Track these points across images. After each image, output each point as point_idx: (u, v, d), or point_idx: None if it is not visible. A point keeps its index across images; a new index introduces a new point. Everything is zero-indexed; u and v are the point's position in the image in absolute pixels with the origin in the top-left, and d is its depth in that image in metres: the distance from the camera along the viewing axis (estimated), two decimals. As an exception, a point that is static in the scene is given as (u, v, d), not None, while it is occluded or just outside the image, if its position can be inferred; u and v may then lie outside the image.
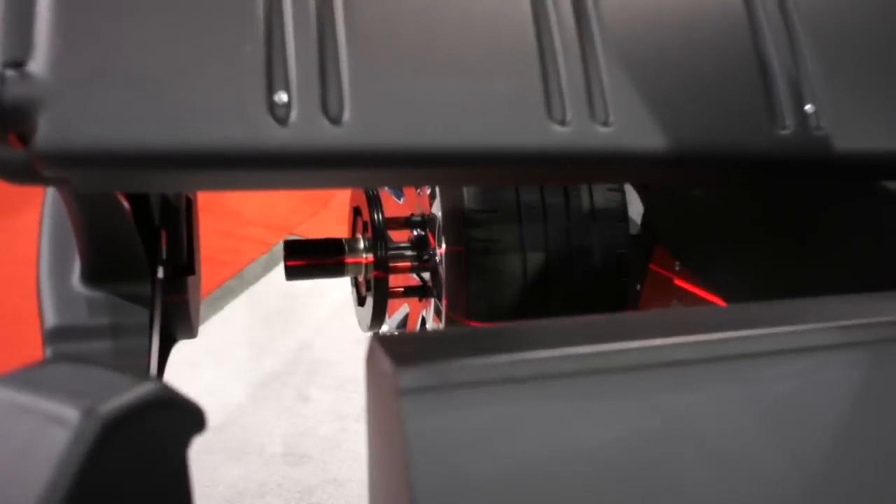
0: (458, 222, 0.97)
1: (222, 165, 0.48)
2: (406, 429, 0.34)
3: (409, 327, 1.43)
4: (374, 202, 1.20)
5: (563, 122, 0.55)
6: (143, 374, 0.85)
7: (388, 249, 1.19)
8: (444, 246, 1.03)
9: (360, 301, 1.30)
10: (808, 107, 0.62)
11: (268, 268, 2.94)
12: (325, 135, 0.49)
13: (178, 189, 0.54)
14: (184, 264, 1.01)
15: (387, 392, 0.36)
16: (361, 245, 1.24)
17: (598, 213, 0.99)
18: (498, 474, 0.34)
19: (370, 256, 1.21)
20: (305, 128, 0.48)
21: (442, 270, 1.06)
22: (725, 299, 1.11)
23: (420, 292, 1.23)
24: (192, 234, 1.13)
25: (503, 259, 0.95)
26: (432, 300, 1.27)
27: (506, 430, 0.35)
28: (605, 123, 0.56)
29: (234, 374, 2.30)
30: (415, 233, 1.24)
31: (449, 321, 1.02)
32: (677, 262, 1.20)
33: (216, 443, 2.02)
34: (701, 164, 0.59)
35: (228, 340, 2.46)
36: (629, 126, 0.56)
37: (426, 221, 1.22)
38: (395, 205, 1.33)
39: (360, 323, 1.34)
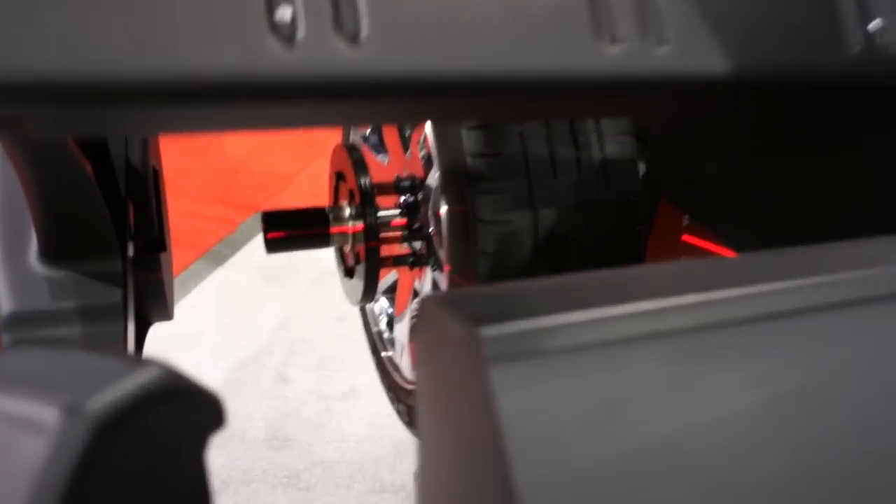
0: (460, 179, 0.88)
1: (212, 98, 0.38)
2: (499, 406, 0.26)
3: (399, 297, 1.34)
4: (360, 166, 1.11)
5: (612, 41, 0.47)
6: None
7: (377, 216, 1.10)
8: (444, 206, 0.94)
9: (348, 272, 1.21)
10: (875, 22, 0.54)
11: (236, 247, 2.81)
12: (339, 57, 0.40)
13: (155, 131, 0.45)
14: (155, 238, 0.91)
15: (464, 361, 0.28)
16: (347, 213, 1.15)
17: (610, 162, 0.91)
18: (620, 455, 0.26)
19: (358, 224, 1.12)
20: (315, 48, 0.39)
21: (441, 233, 0.98)
22: (741, 251, 1.05)
23: (412, 260, 1.15)
24: (161, 206, 1.03)
25: (512, 215, 0.87)
26: (427, 268, 1.19)
27: (624, 400, 0.27)
28: (662, 41, 0.48)
29: (207, 358, 2.19)
30: (403, 198, 1.15)
31: (453, 287, 0.95)
32: (686, 217, 1.14)
33: (194, 431, 1.93)
34: (764, 89, 0.52)
35: (199, 325, 2.34)
36: (689, 45, 0.48)
37: (416, 184, 1.13)
38: (378, 166, 1.23)
39: (348, 296, 1.25)
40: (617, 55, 0.47)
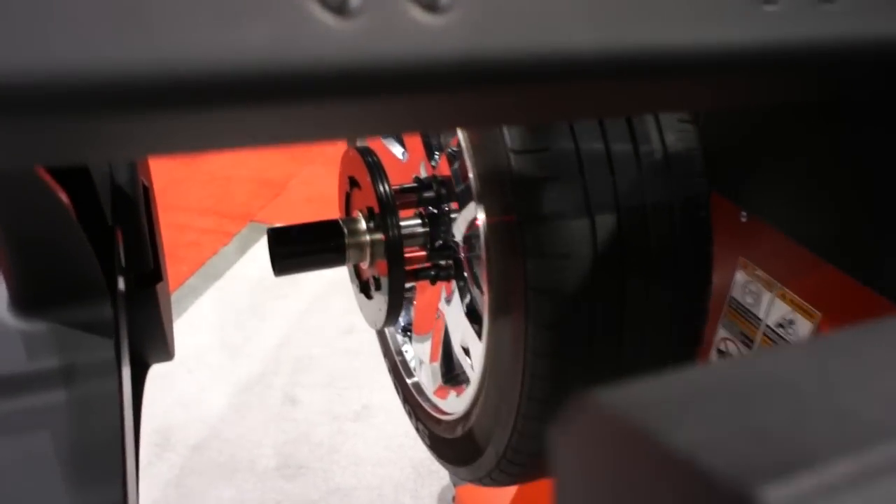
0: (504, 182, 0.76)
1: (239, 96, 0.26)
2: None
3: (419, 315, 1.22)
4: (378, 171, 0.98)
5: (769, 1, 0.34)
6: (113, 424, 0.63)
7: (401, 228, 0.97)
8: (481, 216, 0.82)
9: (366, 292, 1.08)
10: None
11: (232, 259, 2.68)
12: (413, 31, 0.27)
13: (156, 150, 0.33)
14: (150, 270, 0.78)
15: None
16: (364, 225, 1.02)
17: (673, 158, 0.79)
18: None
19: (378, 236, 0.99)
20: (381, 19, 0.27)
21: (478, 247, 0.85)
22: (816, 249, 0.92)
23: (435, 273, 1.02)
24: (154, 230, 0.90)
25: (565, 226, 0.74)
26: (452, 283, 1.06)
27: None
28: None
29: (209, 382, 2.06)
30: (426, 204, 1.02)
31: (495, 311, 0.82)
32: (743, 213, 1.01)
33: (200, 462, 1.80)
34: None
35: (198, 345, 2.21)
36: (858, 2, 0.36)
37: (441, 187, 1.00)
38: (397, 164, 1.10)
39: (368, 319, 1.12)
40: (774, 18, 0.34)
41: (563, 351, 0.79)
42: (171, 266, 2.60)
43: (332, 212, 1.13)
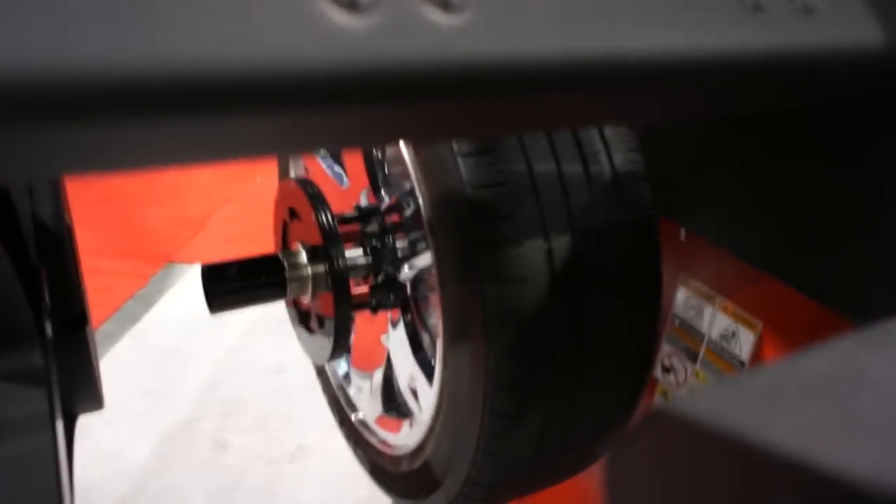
0: (458, 207, 0.74)
1: (244, 100, 0.23)
2: None
3: (359, 348, 1.18)
4: (319, 201, 0.95)
5: (756, 9, 0.34)
6: (49, 484, 0.57)
7: (346, 259, 0.93)
8: (432, 242, 0.80)
9: (307, 326, 1.04)
10: None
11: (149, 302, 2.55)
12: (427, 32, 0.25)
13: (147, 162, 0.29)
14: (80, 312, 0.72)
15: None
16: (304, 257, 0.98)
17: (620, 175, 0.79)
18: None
19: (320, 269, 0.95)
20: (395, 19, 0.25)
21: (429, 274, 0.83)
22: (754, 261, 0.95)
23: (376, 302, 0.99)
24: (79, 269, 0.83)
25: (523, 246, 0.73)
26: (397, 313, 1.03)
27: None
28: (809, 10, 0.36)
29: (130, 432, 1.94)
30: (368, 233, 0.99)
31: (452, 337, 0.80)
32: (682, 229, 1.04)
33: (124, 520, 1.68)
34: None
35: (118, 394, 2.08)
36: (838, 14, 0.36)
37: (383, 214, 0.98)
38: (336, 191, 1.07)
39: (311, 354, 1.08)
40: (761, 27, 0.34)
41: (524, 381, 0.77)
42: (84, 311, 2.43)
43: (255, 250, 1.07)
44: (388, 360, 1.09)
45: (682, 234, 1.03)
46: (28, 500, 0.49)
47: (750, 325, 0.95)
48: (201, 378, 2.16)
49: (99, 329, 2.41)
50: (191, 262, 2.81)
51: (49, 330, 0.67)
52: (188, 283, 2.66)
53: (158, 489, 1.76)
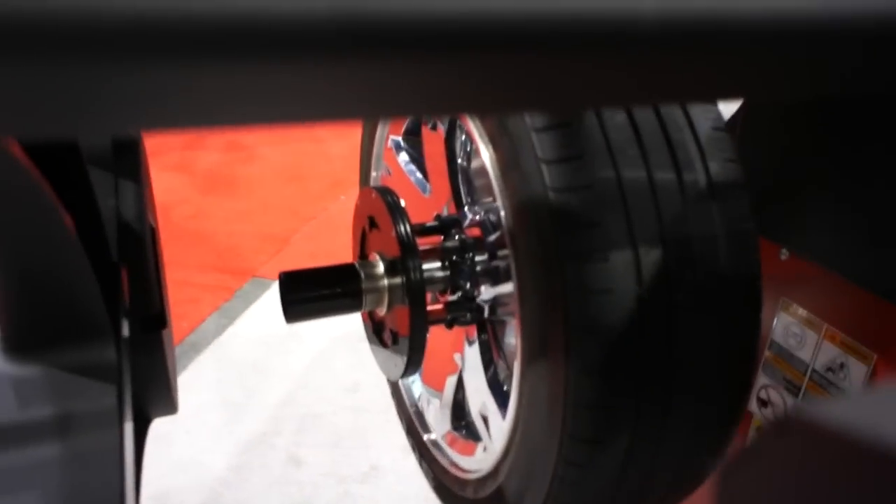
0: (541, 214, 0.70)
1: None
2: None
3: (431, 368, 1.15)
4: (397, 210, 0.93)
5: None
6: (113, 483, 0.56)
7: (422, 271, 0.91)
8: (514, 252, 0.76)
9: (384, 341, 1.02)
10: None
11: (233, 316, 2.61)
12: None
13: (206, 119, 0.27)
14: (157, 313, 0.72)
15: None
16: (381, 268, 0.96)
17: (717, 186, 0.74)
18: None
19: (397, 281, 0.93)
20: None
21: (510, 287, 0.79)
22: (867, 285, 0.87)
23: (452, 318, 0.96)
24: (160, 272, 0.84)
25: (609, 258, 0.68)
26: (475, 329, 1.00)
27: None
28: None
29: (209, 442, 1.96)
30: (448, 244, 0.97)
31: (530, 353, 0.75)
32: (783, 250, 0.96)
33: (198, 530, 1.69)
34: None
35: (197, 404, 2.12)
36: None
37: (464, 224, 0.95)
38: (420, 199, 1.05)
39: (385, 370, 1.05)
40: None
41: (606, 401, 0.72)
42: (171, 323, 2.52)
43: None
44: (460, 379, 1.05)
45: (784, 254, 0.96)
46: (89, 497, 0.48)
47: (862, 357, 0.86)
48: (279, 393, 2.17)
49: (184, 340, 2.47)
50: (274, 277, 2.86)
51: (126, 329, 0.67)
52: (271, 298, 2.71)
53: (232, 501, 1.77)
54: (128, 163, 0.72)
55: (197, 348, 2.42)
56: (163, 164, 4.29)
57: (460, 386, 1.03)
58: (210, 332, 2.51)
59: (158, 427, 2.02)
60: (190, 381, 2.24)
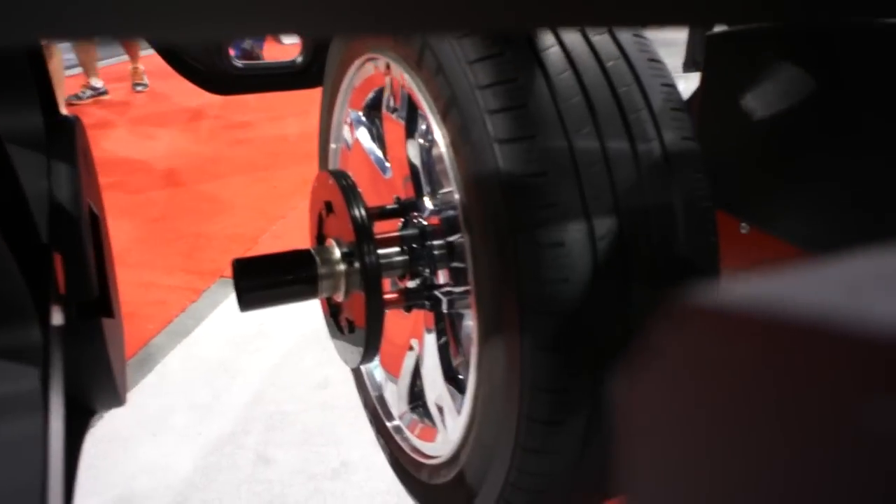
0: (494, 192, 0.68)
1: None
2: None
3: (389, 352, 1.13)
4: (352, 193, 0.90)
5: None
6: (34, 468, 0.53)
7: (378, 255, 0.89)
8: (468, 232, 0.74)
9: (342, 327, 0.99)
10: None
11: (201, 317, 2.57)
12: None
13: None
14: (94, 299, 0.69)
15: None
16: (337, 254, 0.94)
17: (673, 161, 0.72)
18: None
19: (353, 266, 0.91)
20: None
21: (466, 264, 0.77)
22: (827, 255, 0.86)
23: (419, 300, 0.94)
24: (104, 262, 0.80)
25: (562, 230, 0.67)
26: (433, 314, 0.97)
27: None
28: None
29: (175, 444, 1.92)
30: (404, 225, 0.94)
31: (486, 335, 0.73)
32: (743, 224, 0.95)
33: (164, 533, 1.65)
34: None
35: (163, 406, 2.08)
36: None
37: (418, 205, 0.93)
38: (379, 181, 1.03)
39: (343, 357, 1.03)
40: None
41: (562, 381, 0.70)
42: (137, 325, 2.47)
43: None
44: (417, 366, 1.03)
45: (744, 228, 0.95)
46: (11, 483, 0.45)
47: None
48: (247, 392, 2.14)
49: (151, 342, 2.43)
50: (242, 277, 2.81)
51: (60, 315, 0.64)
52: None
53: (199, 502, 1.73)
54: (62, 145, 0.69)
55: (164, 350, 2.37)
56: (130, 168, 4.22)
57: (417, 373, 1.01)
58: (178, 333, 2.47)
59: (123, 430, 1.97)
60: (156, 384, 2.19)
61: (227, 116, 5.36)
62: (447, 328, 0.95)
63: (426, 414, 1.03)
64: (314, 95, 1.59)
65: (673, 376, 0.15)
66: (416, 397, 1.05)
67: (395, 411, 1.11)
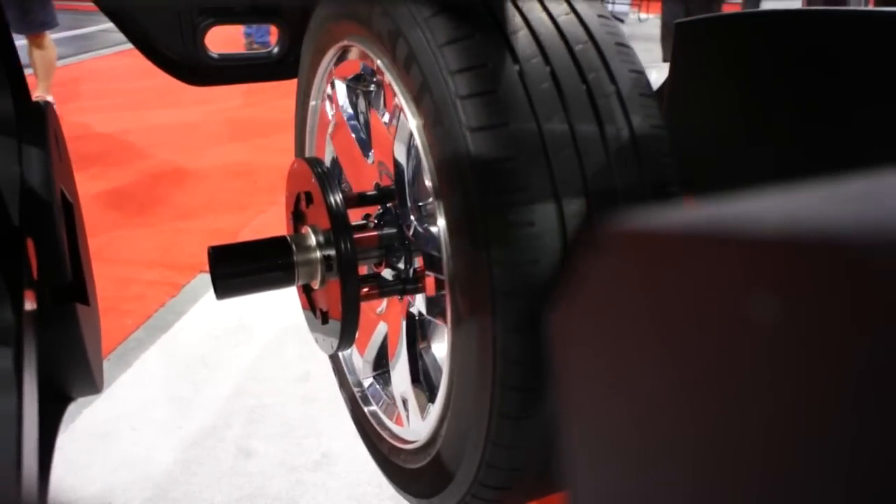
0: (463, 170, 0.69)
1: None
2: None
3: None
4: (327, 181, 0.91)
5: None
6: (8, 454, 0.53)
7: (353, 241, 0.89)
8: (441, 215, 0.75)
9: (319, 314, 1.00)
10: None
11: (181, 311, 2.56)
12: None
13: None
14: (66, 283, 0.69)
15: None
16: (313, 241, 0.94)
17: (641, 142, 0.74)
18: None
19: (328, 252, 0.91)
20: None
21: (441, 251, 0.78)
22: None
23: (402, 287, 0.95)
24: (78, 248, 0.80)
25: (532, 211, 0.68)
26: (416, 297, 0.98)
27: None
28: None
29: (156, 438, 1.92)
30: (379, 211, 0.95)
31: (459, 308, 0.74)
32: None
33: (145, 526, 1.65)
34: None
35: (144, 400, 2.07)
36: None
37: (392, 190, 0.93)
38: (362, 166, 1.03)
39: (320, 343, 1.03)
40: None
41: (534, 358, 0.71)
42: (116, 320, 2.46)
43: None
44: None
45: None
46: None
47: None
48: (228, 386, 2.13)
49: (130, 337, 2.42)
50: (222, 272, 2.80)
51: (32, 299, 0.64)
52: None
53: (180, 496, 1.73)
54: (33, 130, 0.69)
55: (143, 345, 2.36)
56: (111, 160, 4.18)
57: (383, 351, 1.02)
58: (157, 328, 2.46)
59: (103, 425, 1.96)
60: (136, 378, 2.18)
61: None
62: (417, 324, 0.96)
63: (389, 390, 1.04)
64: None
65: (598, 300, 0.16)
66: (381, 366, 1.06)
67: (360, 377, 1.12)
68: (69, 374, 0.73)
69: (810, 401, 0.13)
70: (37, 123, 0.70)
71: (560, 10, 0.75)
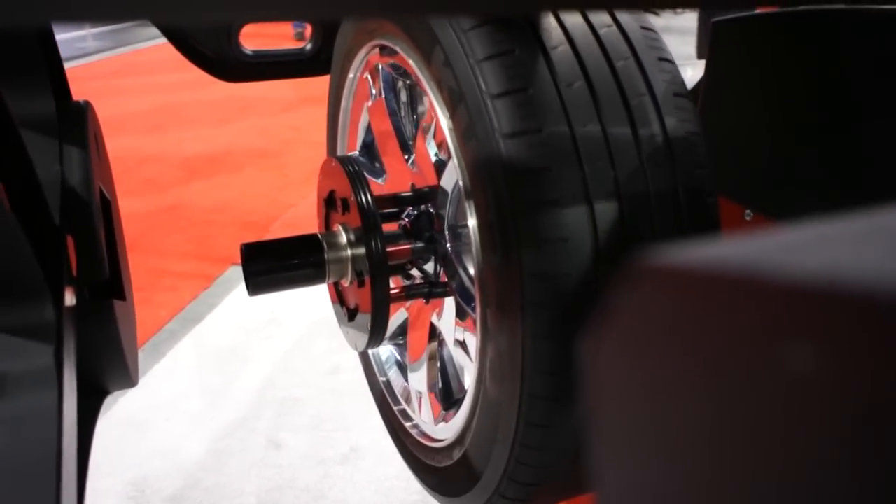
0: (497, 179, 0.69)
1: None
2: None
3: (413, 339, 1.14)
4: (358, 179, 0.91)
5: None
6: (49, 445, 0.55)
7: (383, 240, 0.90)
8: (472, 217, 0.75)
9: (349, 312, 1.01)
10: None
11: (213, 303, 2.59)
12: None
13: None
14: (105, 280, 0.70)
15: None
16: (344, 238, 0.95)
17: (676, 146, 0.73)
18: None
19: (359, 250, 0.92)
20: None
21: (471, 251, 0.78)
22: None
23: (429, 290, 0.95)
24: (115, 245, 0.82)
25: (564, 218, 0.67)
26: (445, 300, 0.99)
27: None
28: None
29: (188, 428, 1.95)
30: (408, 212, 0.95)
31: (491, 316, 0.74)
32: (748, 211, 0.95)
33: (177, 515, 1.68)
34: None
35: (176, 391, 2.11)
36: None
37: (425, 193, 0.94)
38: (375, 186, 1.04)
39: (350, 341, 1.04)
40: None
41: (563, 364, 0.71)
42: (149, 311, 2.50)
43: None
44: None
45: (748, 215, 0.96)
46: (26, 456, 0.47)
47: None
48: (259, 378, 2.16)
49: (163, 328, 2.46)
50: (253, 265, 2.84)
51: (71, 297, 0.65)
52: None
53: (211, 485, 1.76)
54: (74, 130, 0.71)
55: (176, 336, 2.41)
56: (142, 156, 4.25)
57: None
58: (190, 320, 2.50)
59: (136, 415, 2.00)
60: (169, 369, 2.22)
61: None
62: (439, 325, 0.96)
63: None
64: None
65: (631, 334, 0.16)
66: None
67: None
68: (106, 368, 0.74)
69: (842, 448, 0.13)
70: (77, 124, 0.72)
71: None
